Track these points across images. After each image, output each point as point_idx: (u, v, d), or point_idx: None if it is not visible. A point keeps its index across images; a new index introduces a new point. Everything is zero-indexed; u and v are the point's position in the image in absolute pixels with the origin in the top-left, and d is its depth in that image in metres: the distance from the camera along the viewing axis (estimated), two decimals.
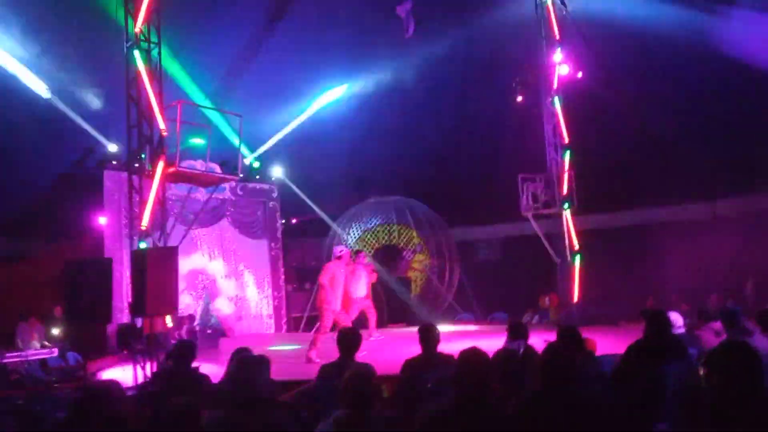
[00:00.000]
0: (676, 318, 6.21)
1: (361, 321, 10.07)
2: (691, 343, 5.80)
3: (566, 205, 12.03)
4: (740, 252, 12.19)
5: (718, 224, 13.57)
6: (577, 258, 12.00)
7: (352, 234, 15.15)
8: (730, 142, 12.83)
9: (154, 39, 8.40)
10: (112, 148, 11.89)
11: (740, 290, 11.95)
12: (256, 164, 14.76)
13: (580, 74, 12.19)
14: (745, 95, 12.61)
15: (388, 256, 15.04)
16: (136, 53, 8.20)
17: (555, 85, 12.35)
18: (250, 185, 14.58)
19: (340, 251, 9.47)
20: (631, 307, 12.50)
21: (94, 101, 11.61)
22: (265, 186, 14.97)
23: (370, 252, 15.12)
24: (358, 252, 11.00)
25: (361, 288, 10.35)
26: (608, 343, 7.34)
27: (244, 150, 12.22)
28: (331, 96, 15.02)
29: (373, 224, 15.23)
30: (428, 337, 5.06)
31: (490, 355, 3.99)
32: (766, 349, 5.28)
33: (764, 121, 12.51)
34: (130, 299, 8.00)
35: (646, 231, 14.25)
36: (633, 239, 14.23)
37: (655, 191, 14.12)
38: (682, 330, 6.34)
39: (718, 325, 6.36)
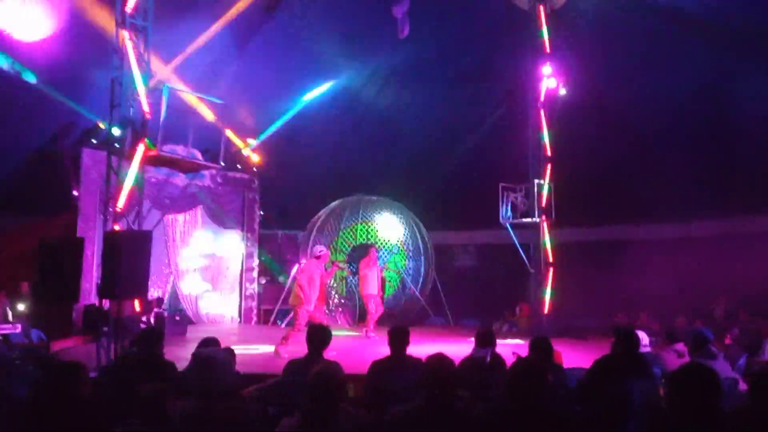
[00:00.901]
0: (643, 336, 6.30)
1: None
2: (654, 362, 5.90)
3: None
4: (713, 273, 12.41)
5: (693, 244, 13.81)
6: (551, 269, 12.13)
7: (328, 230, 15.08)
8: (707, 165, 13.06)
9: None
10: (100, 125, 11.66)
11: (710, 311, 12.15)
12: (257, 157, 14.74)
13: (563, 91, 12.31)
14: (723, 121, 12.85)
15: (364, 254, 15.01)
16: (125, 33, 8.09)
17: (542, 98, 12.45)
18: (231, 174, 14.46)
19: (320, 251, 9.52)
20: (600, 322, 12.70)
21: None
22: (246, 176, 14.86)
23: (347, 250, 15.10)
24: (371, 248, 11.86)
25: (374, 284, 11.01)
26: (575, 356, 7.42)
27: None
28: (317, 91, 15.02)
29: (351, 222, 15.19)
30: (398, 340, 5.05)
31: (457, 361, 4.02)
32: (726, 374, 5.40)
33: (740, 145, 12.76)
34: (99, 281, 7.88)
35: (620, 247, 14.42)
36: (607, 254, 14.39)
37: (632, 209, 14.31)
38: (648, 348, 6.44)
39: (681, 346, 6.48)
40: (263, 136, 14.83)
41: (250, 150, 14.82)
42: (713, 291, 12.49)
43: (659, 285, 12.88)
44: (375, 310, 11.10)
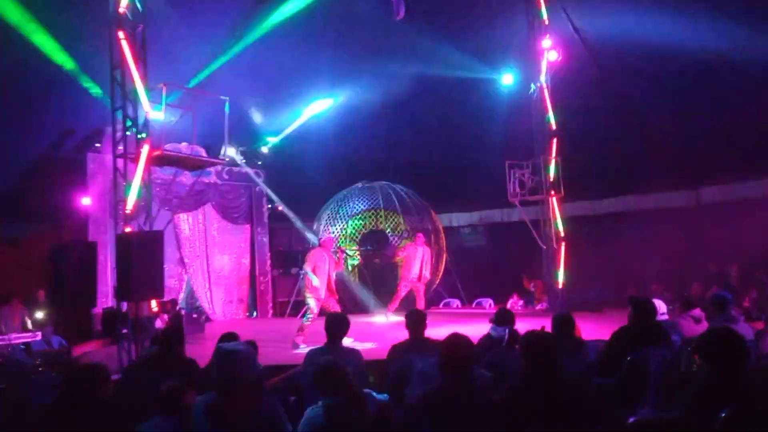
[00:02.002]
0: (660, 305, 6.30)
1: (411, 299, 11.28)
2: (672, 330, 5.89)
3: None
4: (722, 238, 12.34)
5: (702, 212, 13.73)
6: (563, 244, 12.10)
7: (339, 219, 15.10)
8: (715, 131, 12.92)
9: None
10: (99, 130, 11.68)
11: (724, 277, 12.09)
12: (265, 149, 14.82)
13: (558, 56, 12.17)
14: (731, 87, 12.68)
15: (375, 241, 15.06)
16: (121, 34, 8.07)
17: (543, 72, 12.33)
18: (236, 169, 14.48)
19: (323, 237, 9.54)
20: (614, 294, 12.68)
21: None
22: (251, 171, 14.87)
23: (357, 237, 15.12)
24: (417, 233, 12.36)
25: (415, 268, 11.38)
26: (593, 329, 7.43)
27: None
28: (320, 106, 15.15)
29: (359, 209, 15.20)
30: (416, 322, 5.08)
31: (475, 340, 4.03)
32: (749, 336, 5.38)
33: (748, 110, 12.61)
34: (115, 283, 7.93)
35: (630, 218, 14.37)
36: (617, 226, 14.35)
37: (640, 179, 14.22)
38: (665, 317, 6.44)
39: (697, 312, 6.48)
40: (281, 134, 14.92)
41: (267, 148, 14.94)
42: (724, 257, 12.42)
43: (670, 254, 12.84)
44: (401, 291, 11.53)
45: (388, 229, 15.13)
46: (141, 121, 8.16)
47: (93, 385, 3.64)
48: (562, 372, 3.38)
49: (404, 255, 11.84)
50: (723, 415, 2.50)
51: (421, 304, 11.22)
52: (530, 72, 12.61)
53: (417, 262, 11.45)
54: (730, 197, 13.42)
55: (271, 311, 14.87)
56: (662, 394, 3.87)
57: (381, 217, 15.04)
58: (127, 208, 7.93)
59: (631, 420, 3.25)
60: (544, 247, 12.43)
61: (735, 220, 12.46)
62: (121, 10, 8.10)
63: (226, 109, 9.33)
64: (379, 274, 14.40)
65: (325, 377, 3.38)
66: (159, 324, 9.34)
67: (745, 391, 2.60)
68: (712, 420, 2.50)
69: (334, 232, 14.75)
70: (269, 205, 15.34)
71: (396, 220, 15.10)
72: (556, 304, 11.44)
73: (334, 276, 9.16)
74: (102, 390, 3.73)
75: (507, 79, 14.01)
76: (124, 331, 7.80)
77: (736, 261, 12.22)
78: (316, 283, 8.80)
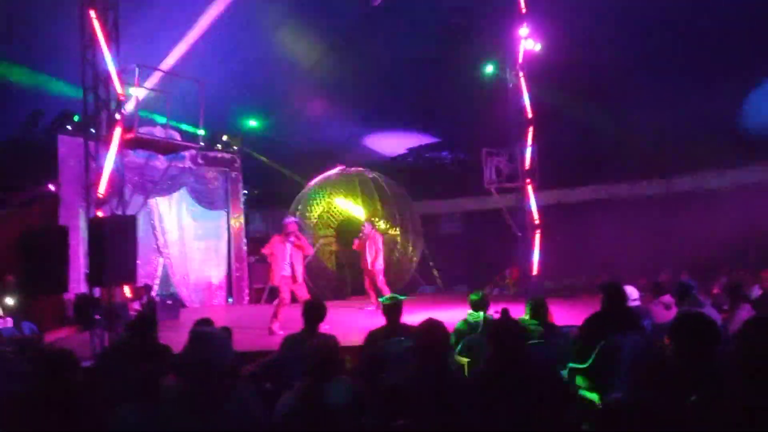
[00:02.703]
0: (632, 291, 6.41)
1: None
2: (644, 316, 6.01)
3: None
4: (692, 227, 12.58)
5: (673, 200, 13.98)
6: (537, 232, 12.22)
7: (315, 206, 15.05)
8: (686, 122, 13.13)
9: None
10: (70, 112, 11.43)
11: (694, 263, 12.33)
12: (225, 137, 14.53)
13: (538, 46, 12.21)
14: (702, 75, 12.88)
15: (352, 228, 15.04)
16: (92, 13, 7.87)
17: (520, 60, 12.37)
18: (211, 154, 14.30)
19: (287, 222, 9.36)
20: (587, 280, 12.88)
21: None
22: (227, 155, 14.70)
23: (334, 223, 15.09)
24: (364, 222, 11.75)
25: (368, 258, 10.99)
26: (566, 315, 7.53)
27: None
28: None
29: (335, 196, 15.16)
30: (392, 309, 5.10)
31: (450, 327, 4.06)
32: (715, 320, 5.51)
33: (718, 102, 12.81)
34: (87, 269, 7.80)
35: (603, 206, 14.57)
36: (591, 214, 14.55)
37: (613, 168, 14.41)
38: (637, 303, 6.55)
39: (667, 298, 6.61)
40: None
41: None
42: (694, 244, 12.66)
43: (641, 241, 13.07)
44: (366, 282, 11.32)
45: (365, 216, 15.12)
46: (114, 102, 7.99)
47: (60, 372, 3.58)
48: (529, 356, 3.43)
49: (356, 246, 11.46)
50: (693, 398, 2.56)
51: (372, 296, 11.05)
52: (508, 60, 12.65)
53: (367, 252, 11.09)
54: (699, 187, 13.68)
55: (247, 298, 14.79)
56: (634, 379, 3.94)
57: (359, 204, 15.01)
58: (99, 191, 7.79)
59: (603, 403, 3.31)
60: (520, 235, 12.54)
61: (705, 209, 12.71)
62: None
63: (202, 92, 9.20)
64: (356, 260, 14.38)
65: (316, 357, 3.36)
66: (134, 309, 9.24)
67: (715, 375, 2.66)
68: (682, 403, 2.56)
69: (311, 219, 14.71)
70: (245, 191, 15.20)
71: (373, 207, 15.08)
72: (530, 290, 11.55)
73: (299, 264, 9.02)
74: (70, 376, 3.67)
75: (485, 67, 14.00)
76: (97, 317, 7.68)
77: (706, 248, 12.46)
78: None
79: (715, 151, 12.72)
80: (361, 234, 11.32)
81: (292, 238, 8.96)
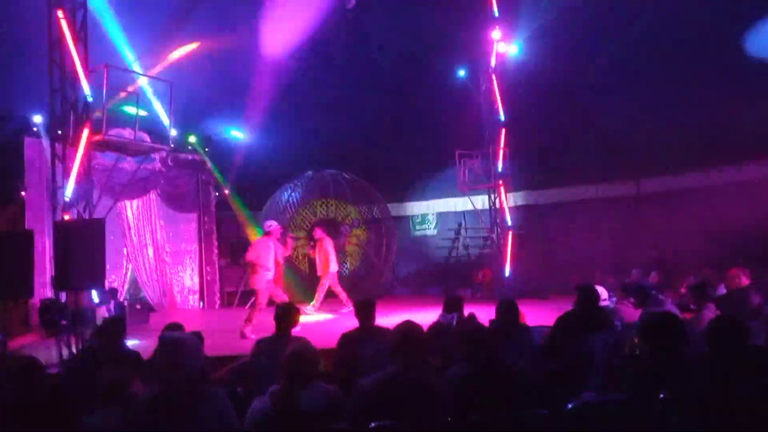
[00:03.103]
0: (602, 291, 6.50)
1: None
2: (614, 316, 6.09)
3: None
4: (661, 228, 12.81)
5: (642, 201, 14.21)
6: (509, 233, 12.33)
7: (288, 207, 14.96)
8: (656, 124, 13.36)
9: None
10: (37, 119, 11.17)
11: (662, 264, 12.56)
12: (192, 139, 14.28)
13: (514, 49, 12.34)
14: (671, 79, 13.12)
15: (326, 230, 14.99)
16: (60, 13, 7.71)
17: (493, 63, 12.49)
18: (182, 156, 14.10)
19: (269, 226, 9.38)
20: (558, 281, 13.03)
21: None
22: (198, 158, 14.52)
23: (306, 226, 15.01)
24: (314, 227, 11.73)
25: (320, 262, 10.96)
26: (539, 315, 7.60)
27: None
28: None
29: (309, 198, 15.09)
30: (366, 312, 5.09)
31: (425, 327, 4.05)
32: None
33: (687, 104, 13.07)
34: (53, 273, 7.63)
35: (574, 207, 14.75)
36: (561, 215, 14.72)
37: (583, 169, 14.59)
38: (607, 303, 6.65)
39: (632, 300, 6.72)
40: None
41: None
42: (662, 245, 12.89)
43: (611, 241, 13.27)
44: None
45: (339, 218, 15.09)
46: (81, 103, 7.84)
47: (25, 380, 3.48)
48: (501, 358, 3.45)
49: (310, 251, 11.40)
50: (662, 396, 2.60)
51: (319, 298, 11.04)
52: (479, 63, 12.76)
53: (318, 256, 11.11)
54: (668, 188, 13.94)
55: (218, 301, 14.62)
56: (606, 378, 3.99)
57: (332, 206, 14.96)
58: (66, 194, 7.63)
59: (572, 404, 3.34)
60: (492, 236, 12.64)
61: (673, 210, 12.95)
62: None
63: (172, 94, 9.08)
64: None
65: (294, 362, 3.32)
66: (103, 314, 9.06)
67: (683, 372, 2.71)
68: (653, 401, 2.60)
69: (283, 221, 14.61)
70: (216, 193, 15.03)
71: (346, 209, 15.05)
72: (501, 291, 11.65)
73: (279, 265, 9.10)
74: (36, 384, 3.58)
75: (458, 70, 14.11)
76: (63, 322, 7.51)
77: (675, 248, 12.70)
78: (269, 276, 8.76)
79: (685, 153, 12.97)
80: (313, 239, 11.19)
81: (273, 242, 9.06)
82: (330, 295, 11.63)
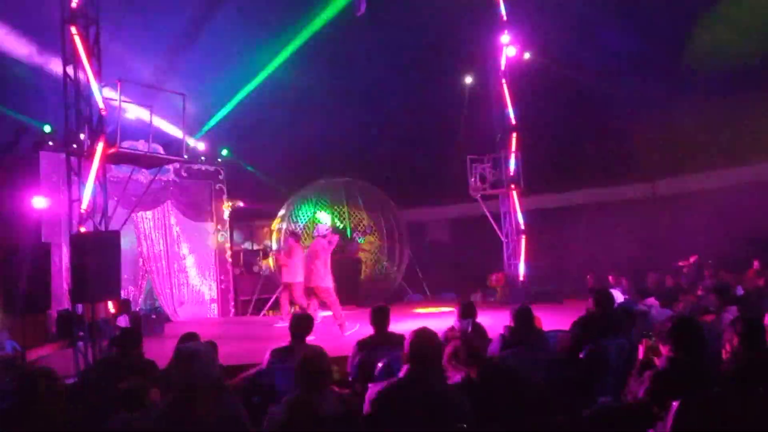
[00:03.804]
0: (617, 295, 6.47)
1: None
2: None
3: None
4: (678, 230, 12.70)
5: (658, 203, 14.10)
6: (523, 237, 12.28)
7: (301, 216, 15.02)
8: (669, 126, 13.28)
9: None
10: (47, 128, 11.33)
11: (678, 268, 12.44)
12: (201, 145, 14.38)
13: (527, 55, 12.33)
14: (682, 83, 13.03)
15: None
16: (73, 29, 7.83)
17: (502, 67, 12.48)
18: (195, 167, 14.22)
19: (326, 230, 9.76)
20: (572, 285, 12.95)
21: None
22: (211, 168, 14.63)
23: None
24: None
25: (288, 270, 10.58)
26: (553, 320, 7.55)
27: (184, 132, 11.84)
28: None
29: (322, 206, 15.14)
30: (380, 318, 5.10)
31: (440, 333, 4.05)
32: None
33: (700, 107, 12.98)
34: (69, 285, 7.71)
35: (588, 210, 14.67)
36: (576, 218, 14.64)
37: (598, 172, 14.52)
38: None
39: (651, 301, 6.66)
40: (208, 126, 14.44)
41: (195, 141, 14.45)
42: (679, 247, 12.76)
43: (627, 245, 13.16)
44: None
45: (351, 225, 15.12)
46: (95, 117, 7.94)
47: (42, 391, 3.52)
48: (510, 365, 3.45)
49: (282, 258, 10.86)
50: (678, 402, 2.58)
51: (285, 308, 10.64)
52: (490, 67, 12.75)
53: (287, 264, 10.58)
54: (684, 189, 13.82)
55: (233, 310, 14.68)
56: (621, 382, 3.96)
57: (344, 213, 15.01)
58: (81, 207, 7.72)
59: (591, 408, 3.32)
60: (505, 240, 12.60)
61: (689, 211, 12.83)
62: (74, 4, 7.86)
63: (184, 105, 9.17)
64: (342, 271, 14.41)
65: (306, 368, 3.34)
66: (122, 324, 9.14)
67: (701, 378, 2.69)
68: (669, 405, 2.58)
69: (296, 229, 14.68)
70: (229, 203, 15.13)
71: (359, 216, 15.08)
72: (515, 296, 11.59)
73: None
74: (51, 395, 3.62)
75: (468, 75, 14.11)
76: (80, 333, 7.58)
77: (691, 251, 12.56)
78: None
79: (698, 155, 12.88)
80: (285, 246, 11.03)
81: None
82: (343, 302, 11.64)
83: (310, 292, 9.35)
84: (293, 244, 10.95)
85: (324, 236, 9.50)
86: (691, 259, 12.31)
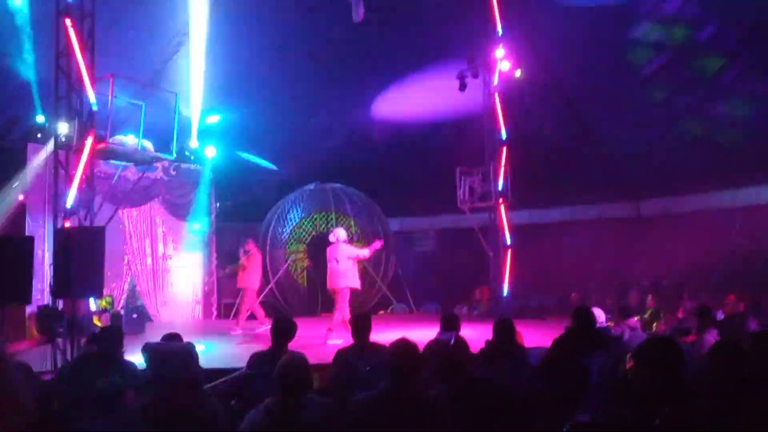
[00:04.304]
0: (599, 313, 6.51)
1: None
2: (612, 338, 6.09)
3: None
4: (661, 250, 12.81)
5: (642, 223, 14.22)
6: (509, 252, 12.33)
7: (289, 220, 14.98)
8: (655, 147, 13.41)
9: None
10: (40, 119, 11.20)
11: (658, 287, 12.53)
12: (194, 144, 14.30)
13: (519, 73, 12.39)
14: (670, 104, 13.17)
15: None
16: (68, 22, 7.79)
17: (495, 81, 12.56)
18: (184, 166, 14.15)
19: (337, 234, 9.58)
20: (556, 301, 13.01)
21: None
22: (200, 167, 14.57)
23: (306, 239, 15.03)
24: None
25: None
26: (536, 336, 7.58)
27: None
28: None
29: (310, 211, 15.12)
30: (361, 327, 5.09)
31: (422, 346, 4.06)
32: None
33: (685, 128, 13.13)
34: (51, 280, 7.63)
35: (573, 227, 14.75)
36: (560, 235, 14.72)
37: (584, 190, 14.61)
38: (604, 324, 6.64)
39: (633, 321, 6.72)
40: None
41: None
42: (661, 267, 12.86)
43: (610, 263, 13.26)
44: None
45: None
46: (86, 111, 7.90)
47: (14, 388, 3.47)
48: (492, 379, 3.46)
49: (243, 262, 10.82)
50: (658, 421, 2.60)
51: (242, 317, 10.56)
52: (482, 81, 12.82)
53: (245, 268, 10.70)
54: (667, 210, 13.94)
55: (215, 312, 14.58)
56: (602, 400, 3.98)
57: (332, 219, 14.98)
58: (67, 202, 7.66)
59: (570, 424, 3.33)
60: (491, 255, 12.64)
61: (672, 233, 12.95)
62: None
63: (176, 103, 9.15)
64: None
65: (285, 374, 3.33)
66: (105, 321, 9.06)
67: (681, 396, 2.71)
68: (649, 423, 2.59)
69: (284, 234, 14.65)
70: (217, 203, 15.06)
71: (346, 222, 15.06)
72: (499, 309, 11.62)
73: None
74: (25, 391, 3.57)
75: (458, 87, 14.15)
76: (60, 329, 7.50)
77: (672, 271, 12.66)
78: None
79: (684, 176, 13.00)
80: (246, 250, 10.76)
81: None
82: (329, 308, 11.61)
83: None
84: (252, 248, 10.80)
85: (344, 241, 9.38)
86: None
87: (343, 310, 8.96)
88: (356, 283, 9.26)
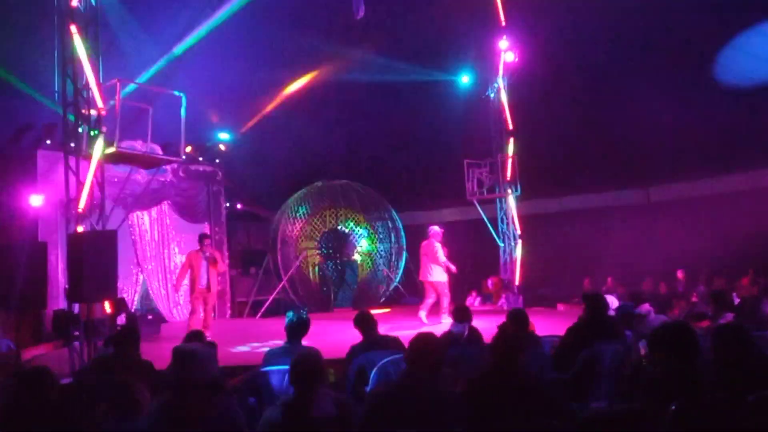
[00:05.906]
0: (612, 300, 6.50)
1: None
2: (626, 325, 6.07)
3: (511, 191, 12.34)
4: (672, 237, 12.75)
5: (652, 210, 14.15)
6: (519, 242, 12.32)
7: (299, 217, 15.03)
8: (664, 133, 13.32)
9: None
10: (49, 126, 11.29)
11: (672, 273, 12.48)
12: (223, 147, 14.43)
13: (515, 57, 12.34)
14: (678, 89, 13.07)
15: (335, 239, 15.04)
16: (73, 27, 7.83)
17: (500, 72, 12.52)
18: (193, 167, 14.20)
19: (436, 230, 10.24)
20: (568, 290, 12.98)
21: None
22: (209, 168, 14.63)
23: (316, 236, 15.08)
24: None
25: (203, 278, 9.73)
26: (548, 325, 7.59)
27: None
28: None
29: (320, 208, 15.15)
30: (364, 323, 5.16)
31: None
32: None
33: (695, 112, 13.03)
34: (66, 285, 7.71)
35: (584, 215, 14.71)
36: (571, 224, 14.68)
37: (594, 177, 14.56)
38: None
39: (646, 307, 6.70)
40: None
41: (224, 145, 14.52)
42: (672, 253, 12.79)
43: (621, 250, 13.20)
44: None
45: (348, 228, 15.13)
46: (94, 116, 7.94)
47: (38, 390, 3.53)
48: (520, 367, 3.46)
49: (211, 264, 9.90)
50: (673, 407, 2.60)
51: (208, 321, 9.74)
52: (487, 72, 12.79)
53: (204, 270, 9.76)
54: (677, 195, 13.87)
55: (229, 312, 14.66)
56: (615, 387, 3.99)
57: (341, 215, 15.01)
58: (79, 207, 7.72)
59: (585, 413, 3.34)
60: (502, 245, 12.64)
61: (683, 218, 12.88)
62: (74, 3, 7.87)
63: (183, 105, 9.17)
64: (339, 273, 14.45)
65: (299, 370, 3.35)
66: (120, 322, 9.12)
67: (695, 383, 2.71)
68: (663, 411, 2.60)
69: (293, 231, 14.69)
70: (227, 203, 15.12)
71: (356, 218, 15.09)
72: (510, 300, 11.65)
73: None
74: (47, 394, 3.62)
75: (464, 79, 14.13)
76: (76, 333, 7.58)
77: (684, 257, 12.58)
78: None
79: (694, 161, 12.92)
80: (207, 252, 9.94)
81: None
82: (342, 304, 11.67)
83: None
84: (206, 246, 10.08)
85: (434, 235, 10.11)
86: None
87: (446, 297, 9.84)
88: (442, 277, 9.95)
